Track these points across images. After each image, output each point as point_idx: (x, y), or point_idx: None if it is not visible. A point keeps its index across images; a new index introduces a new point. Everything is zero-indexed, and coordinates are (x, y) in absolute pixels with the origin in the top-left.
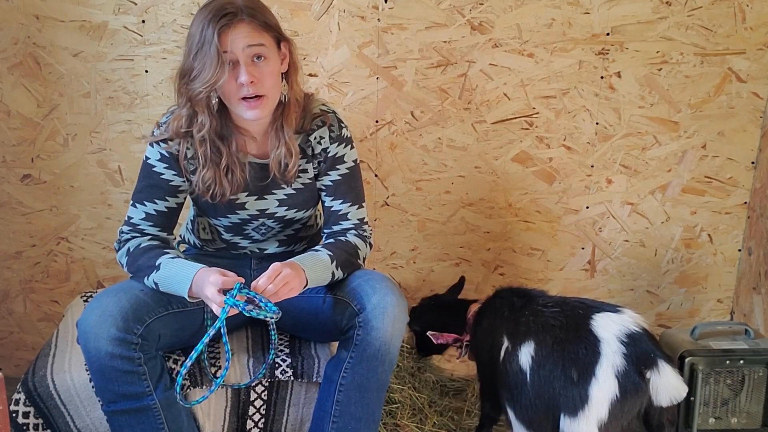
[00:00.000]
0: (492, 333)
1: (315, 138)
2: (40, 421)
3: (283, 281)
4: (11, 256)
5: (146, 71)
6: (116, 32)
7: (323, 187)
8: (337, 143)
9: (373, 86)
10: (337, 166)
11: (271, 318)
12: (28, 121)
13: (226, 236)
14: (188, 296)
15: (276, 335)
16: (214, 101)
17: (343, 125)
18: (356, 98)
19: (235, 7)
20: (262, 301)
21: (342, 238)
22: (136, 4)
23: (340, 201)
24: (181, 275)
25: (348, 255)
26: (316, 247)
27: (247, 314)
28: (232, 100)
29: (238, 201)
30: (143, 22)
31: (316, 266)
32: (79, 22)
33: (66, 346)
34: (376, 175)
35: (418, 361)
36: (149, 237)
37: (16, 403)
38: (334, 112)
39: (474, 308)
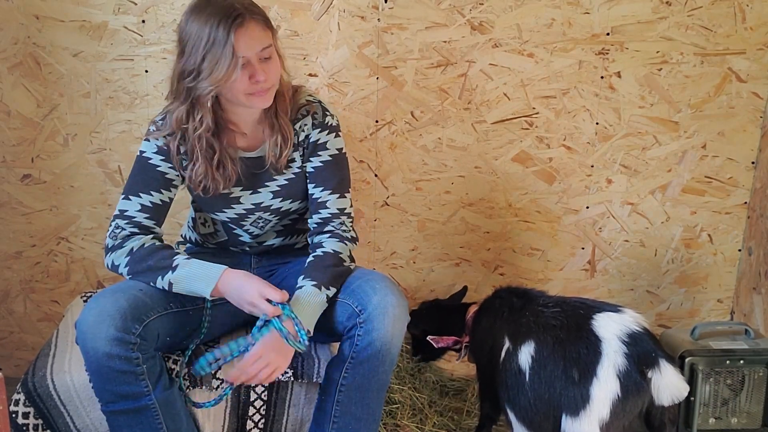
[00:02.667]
0: (492, 333)
1: (299, 126)
2: (40, 421)
3: (263, 364)
4: (11, 256)
5: (146, 71)
6: (116, 32)
7: (307, 175)
8: (319, 129)
9: (373, 86)
10: (319, 152)
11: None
12: (28, 121)
13: (226, 229)
14: (210, 295)
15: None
16: (211, 98)
17: (327, 113)
18: (356, 98)
19: (242, 6)
20: (297, 326)
21: (319, 252)
22: (136, 4)
23: (321, 188)
24: (205, 275)
25: (332, 268)
26: (299, 283)
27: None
28: (239, 95)
29: (233, 195)
30: (143, 22)
31: (308, 309)
32: (79, 22)
33: (66, 346)
34: (376, 175)
35: (417, 363)
36: (151, 235)
37: (16, 403)
38: (319, 102)
39: (473, 309)
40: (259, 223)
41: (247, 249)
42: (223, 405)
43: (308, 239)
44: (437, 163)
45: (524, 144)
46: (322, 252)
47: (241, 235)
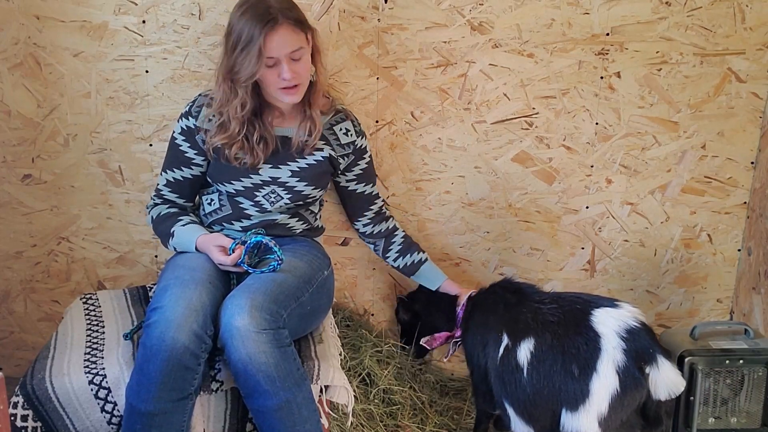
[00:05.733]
0: (487, 329)
1: (340, 129)
2: (39, 424)
3: None
4: (12, 256)
5: (146, 71)
6: (117, 32)
7: (354, 177)
8: (361, 136)
9: (373, 86)
10: (364, 156)
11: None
12: (29, 122)
13: (232, 203)
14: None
15: (279, 250)
16: (247, 86)
17: (357, 120)
18: (356, 98)
19: (276, 10)
20: (273, 248)
21: (401, 233)
22: (136, 4)
23: (371, 185)
24: (187, 244)
25: (409, 238)
26: (418, 257)
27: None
28: (271, 89)
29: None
30: (144, 22)
31: (437, 270)
32: (79, 22)
33: (65, 348)
34: (376, 175)
35: (414, 361)
36: (168, 204)
37: (14, 406)
38: (349, 110)
39: (462, 301)
40: (271, 197)
41: (247, 224)
42: (223, 406)
43: (371, 227)
44: (437, 163)
45: (524, 144)
46: (403, 232)
47: (247, 209)
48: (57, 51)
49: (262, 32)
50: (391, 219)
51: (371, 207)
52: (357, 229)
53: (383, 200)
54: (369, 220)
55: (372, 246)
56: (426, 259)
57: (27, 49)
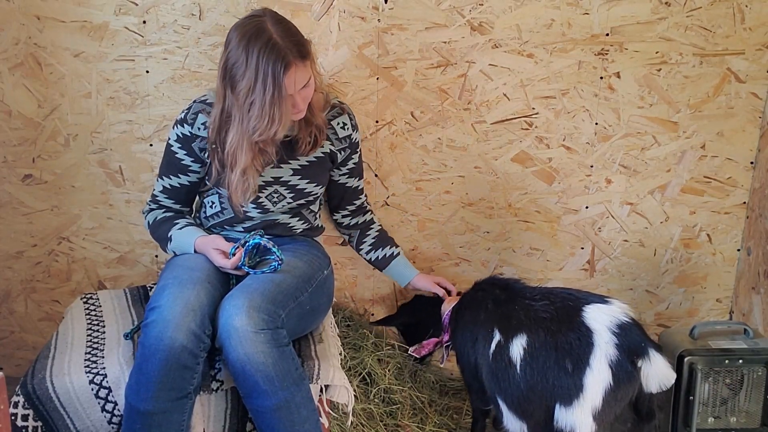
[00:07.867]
0: (477, 326)
1: (338, 123)
2: (40, 423)
3: None
4: (12, 256)
5: (147, 71)
6: (117, 33)
7: (347, 171)
8: (356, 130)
9: (373, 86)
10: (357, 150)
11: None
12: (30, 122)
13: (233, 205)
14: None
15: (278, 250)
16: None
17: (352, 113)
18: (356, 98)
19: (289, 47)
20: (272, 249)
21: (377, 226)
22: (137, 4)
23: (360, 179)
24: (185, 247)
25: (385, 232)
26: (390, 251)
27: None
28: None
29: None
30: (144, 22)
31: (407, 263)
32: (80, 22)
33: (65, 348)
34: (376, 175)
35: (414, 364)
36: (164, 209)
37: (15, 405)
38: (341, 102)
39: (449, 304)
40: (273, 197)
41: (249, 226)
42: (223, 406)
43: (350, 219)
44: (437, 163)
45: (524, 144)
46: (379, 225)
47: (249, 210)
48: (57, 51)
49: (279, 73)
50: (369, 212)
51: (355, 201)
52: (335, 220)
53: (365, 195)
54: (349, 212)
55: (347, 237)
56: (398, 254)
57: (27, 49)
